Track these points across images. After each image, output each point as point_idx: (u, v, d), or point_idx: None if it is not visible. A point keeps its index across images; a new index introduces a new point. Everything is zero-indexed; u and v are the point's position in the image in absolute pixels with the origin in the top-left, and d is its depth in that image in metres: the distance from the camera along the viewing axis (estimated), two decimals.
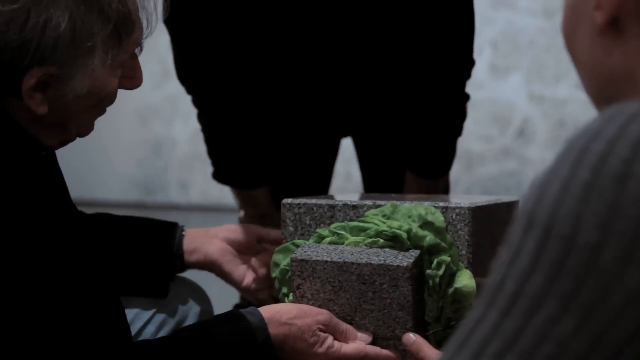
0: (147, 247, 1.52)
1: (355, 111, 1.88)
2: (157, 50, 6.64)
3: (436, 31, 1.73)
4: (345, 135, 1.99)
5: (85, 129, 1.24)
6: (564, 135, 6.05)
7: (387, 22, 1.74)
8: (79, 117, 1.20)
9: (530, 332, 0.65)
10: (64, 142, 1.24)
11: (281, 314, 1.27)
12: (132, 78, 1.24)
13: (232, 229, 1.58)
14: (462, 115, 1.83)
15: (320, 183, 1.98)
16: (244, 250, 1.56)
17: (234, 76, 1.79)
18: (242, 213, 1.91)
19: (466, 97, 1.82)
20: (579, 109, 5.96)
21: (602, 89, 0.77)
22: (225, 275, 1.56)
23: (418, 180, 1.84)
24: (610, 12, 0.74)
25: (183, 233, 1.55)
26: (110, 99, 1.22)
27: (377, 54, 1.79)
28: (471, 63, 1.78)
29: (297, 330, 1.27)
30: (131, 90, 1.27)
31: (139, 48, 1.23)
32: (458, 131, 1.84)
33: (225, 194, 7.13)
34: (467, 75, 1.79)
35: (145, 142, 6.66)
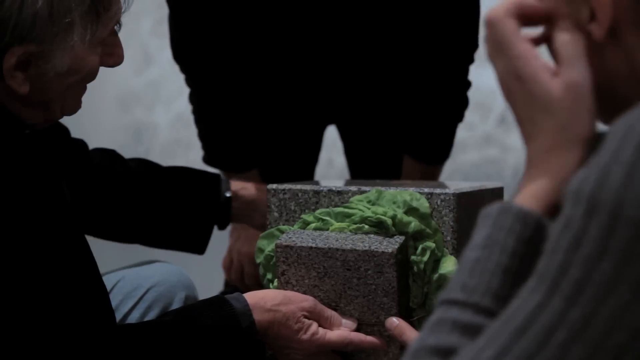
0: (192, 200, 1.55)
1: (344, 98, 1.87)
2: (138, 36, 6.59)
3: (440, 15, 1.72)
4: (331, 123, 1.98)
5: (70, 108, 1.23)
6: None
7: (387, 6, 1.73)
8: (62, 96, 1.20)
9: (600, 321, 0.64)
10: (49, 121, 1.24)
11: (265, 301, 1.27)
12: (112, 55, 1.24)
13: None
14: (464, 101, 1.82)
15: (305, 170, 1.97)
16: None
17: (229, 56, 1.78)
18: None
19: (468, 84, 1.81)
20: None
21: (604, 93, 0.76)
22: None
23: (419, 167, 1.83)
24: (608, 23, 0.73)
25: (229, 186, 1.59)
26: (92, 76, 1.22)
27: (374, 40, 1.78)
28: (475, 46, 1.76)
29: (281, 316, 1.27)
30: (113, 67, 1.27)
31: (118, 25, 1.23)
32: (460, 117, 1.84)
33: None
34: (471, 60, 1.78)
35: (126, 128, 6.62)
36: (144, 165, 1.55)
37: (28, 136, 1.21)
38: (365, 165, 1.96)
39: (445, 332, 0.72)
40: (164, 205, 1.52)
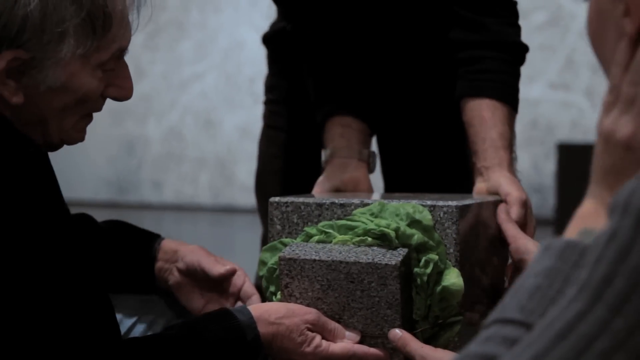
0: (129, 257, 1.49)
1: (392, 105, 1.84)
2: (130, 49, 6.59)
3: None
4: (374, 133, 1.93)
5: (70, 136, 1.23)
6: (536, 136, 6.07)
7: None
8: (59, 118, 1.19)
9: None
10: (49, 144, 1.23)
11: (269, 313, 1.27)
12: (120, 87, 1.23)
13: (189, 261, 1.48)
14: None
15: None
16: (201, 280, 1.49)
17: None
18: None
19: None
20: (552, 109, 5.99)
21: None
22: (185, 305, 1.50)
23: (497, 112, 1.64)
24: None
25: (157, 253, 1.50)
26: (93, 102, 1.21)
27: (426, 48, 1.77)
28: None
29: (285, 329, 1.27)
30: (121, 101, 1.26)
31: (123, 52, 1.21)
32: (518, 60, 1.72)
33: (198, 193, 7.10)
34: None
35: (119, 141, 6.62)
36: (86, 217, 1.52)
37: (33, 155, 1.20)
38: (401, 178, 1.91)
39: (493, 344, 0.73)
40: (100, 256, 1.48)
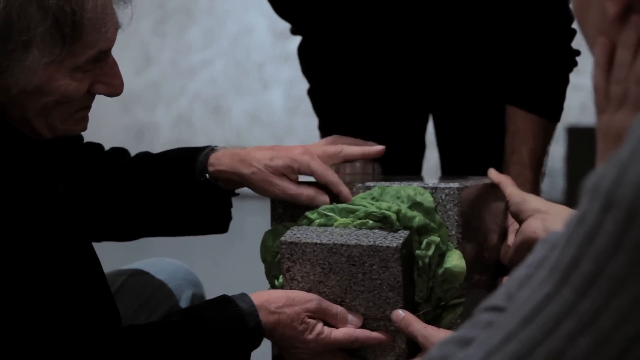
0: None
1: (441, 83, 1.82)
2: (138, 36, 6.60)
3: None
4: (429, 112, 1.92)
5: (65, 128, 1.21)
6: None
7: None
8: (43, 116, 1.17)
9: (610, 314, 0.65)
10: (42, 137, 1.21)
11: (270, 302, 1.27)
12: (107, 85, 1.21)
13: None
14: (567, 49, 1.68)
15: (411, 164, 1.92)
16: None
17: (342, 54, 1.79)
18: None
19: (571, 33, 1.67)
20: None
21: None
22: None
23: (531, 124, 1.63)
24: (623, 2, 0.73)
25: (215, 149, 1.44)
26: (79, 101, 1.19)
27: (466, 22, 1.72)
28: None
29: (285, 318, 1.27)
30: (110, 97, 1.24)
31: (104, 53, 1.18)
32: (566, 66, 1.67)
33: None
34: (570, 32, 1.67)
35: (128, 128, 6.63)
36: (143, 157, 1.49)
37: (23, 143, 1.19)
38: (458, 159, 1.88)
39: (476, 329, 0.75)
40: (170, 193, 1.44)
